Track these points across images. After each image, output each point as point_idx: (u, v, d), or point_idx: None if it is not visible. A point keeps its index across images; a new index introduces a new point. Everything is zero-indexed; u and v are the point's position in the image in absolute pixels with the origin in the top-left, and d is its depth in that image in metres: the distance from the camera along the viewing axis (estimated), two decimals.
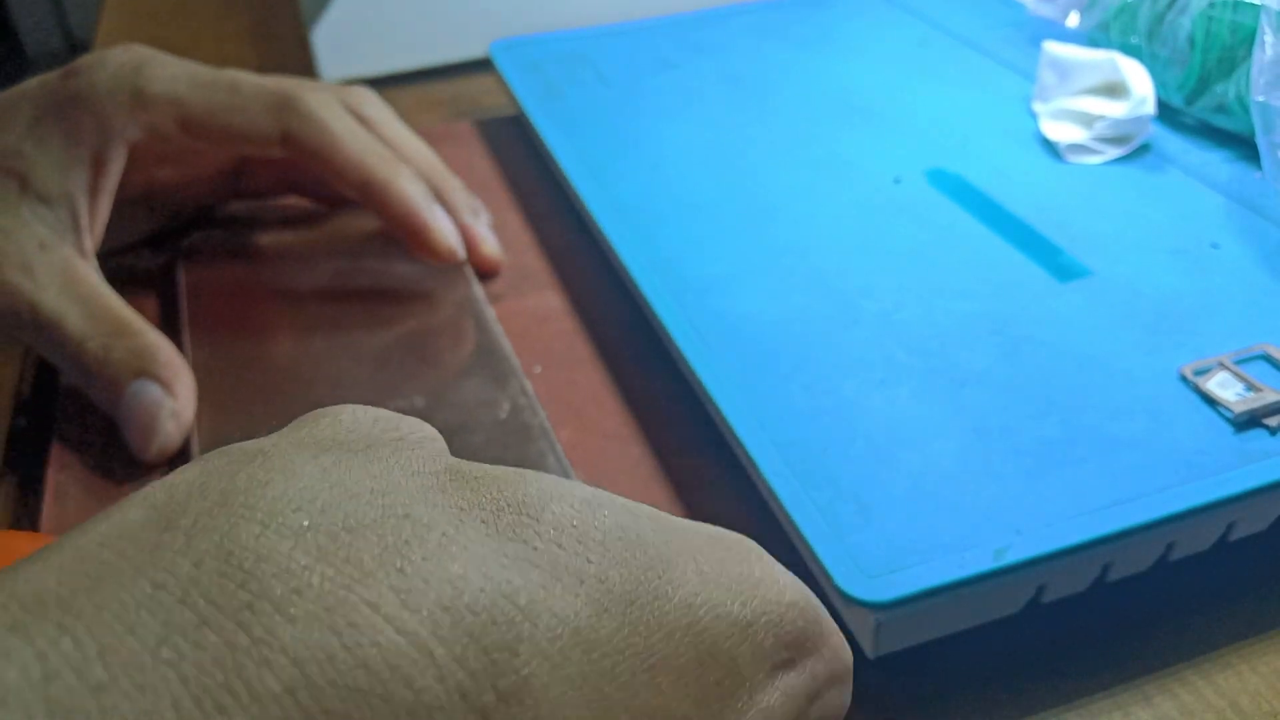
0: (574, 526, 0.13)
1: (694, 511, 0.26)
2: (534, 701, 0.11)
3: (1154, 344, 0.27)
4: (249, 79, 0.30)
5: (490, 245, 0.34)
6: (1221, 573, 0.25)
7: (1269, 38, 0.32)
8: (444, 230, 0.30)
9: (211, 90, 0.29)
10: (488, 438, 0.27)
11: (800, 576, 0.23)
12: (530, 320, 0.33)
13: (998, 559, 0.21)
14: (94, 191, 0.28)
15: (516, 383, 0.29)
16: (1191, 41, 0.37)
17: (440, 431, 0.15)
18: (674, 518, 0.15)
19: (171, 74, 0.29)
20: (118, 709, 0.09)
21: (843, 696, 0.16)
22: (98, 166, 0.28)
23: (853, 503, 0.23)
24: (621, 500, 0.14)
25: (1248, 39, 0.35)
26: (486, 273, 0.34)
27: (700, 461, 0.28)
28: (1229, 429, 0.24)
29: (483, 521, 0.12)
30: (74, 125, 0.28)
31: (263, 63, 0.55)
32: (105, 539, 0.11)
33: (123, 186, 0.30)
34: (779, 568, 0.15)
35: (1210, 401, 0.25)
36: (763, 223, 0.34)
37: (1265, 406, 0.25)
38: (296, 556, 0.11)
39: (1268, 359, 0.27)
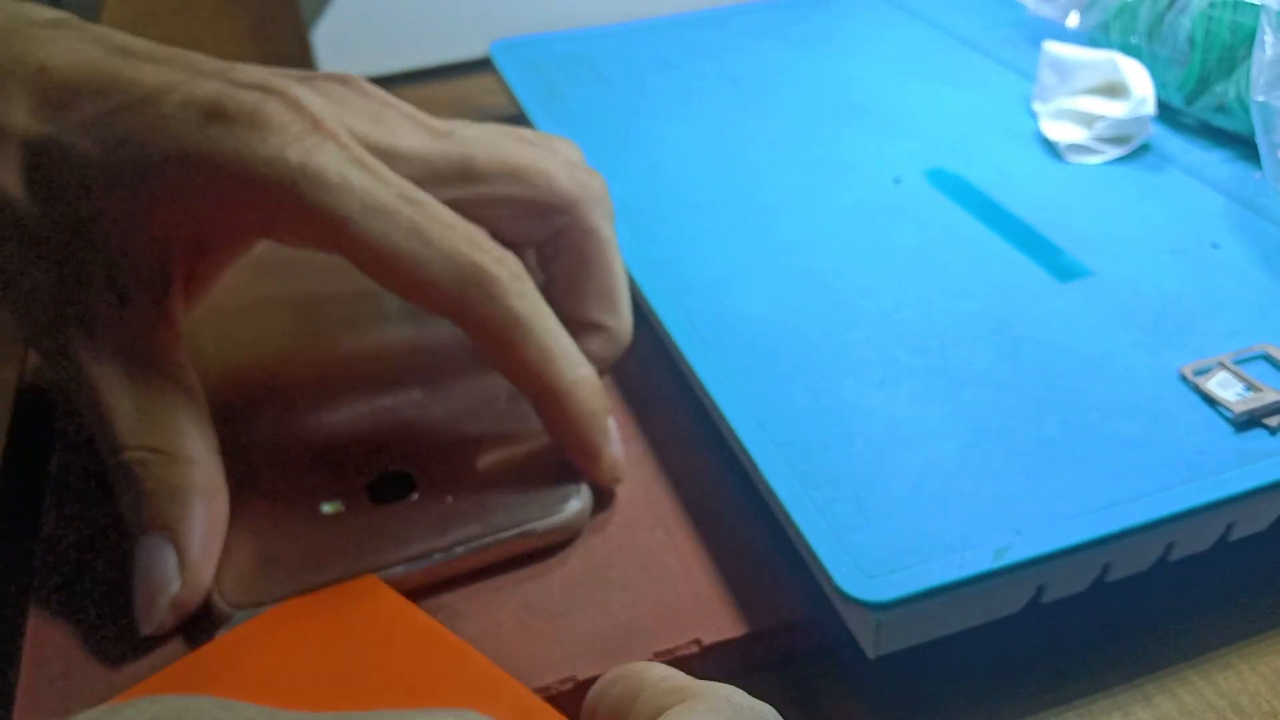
0: None
1: (694, 511, 0.26)
2: None
3: (1154, 344, 0.27)
4: (440, 216, 0.23)
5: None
6: (1221, 573, 0.25)
7: (1269, 37, 0.32)
8: (612, 458, 0.25)
9: (389, 223, 0.22)
10: (486, 428, 0.27)
11: (800, 576, 0.24)
12: None
13: (998, 559, 0.21)
14: (205, 264, 0.24)
15: None
16: (1191, 41, 0.37)
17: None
18: None
19: (346, 179, 0.22)
20: None
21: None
22: (223, 246, 0.24)
23: (852, 502, 0.23)
24: None
25: (1248, 39, 0.35)
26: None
27: (700, 461, 0.28)
28: (1229, 429, 0.24)
29: None
30: (210, 194, 0.22)
31: (263, 62, 0.54)
32: None
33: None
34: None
35: (1210, 401, 0.25)
36: (763, 222, 0.34)
37: (1265, 406, 0.25)
38: None
39: (1268, 359, 0.27)
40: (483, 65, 0.50)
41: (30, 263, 0.23)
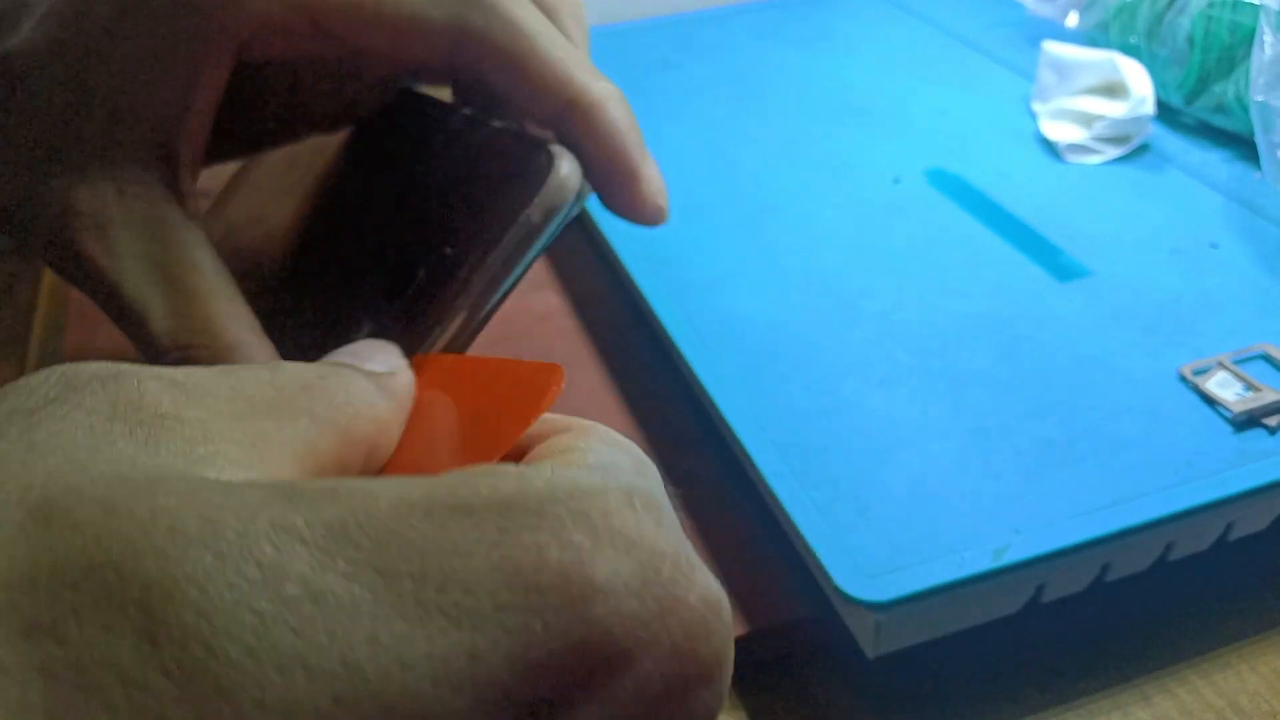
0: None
1: (694, 511, 0.26)
2: None
3: (1153, 344, 0.27)
4: None
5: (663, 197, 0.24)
6: (1220, 573, 0.25)
7: (1268, 37, 0.32)
8: (654, 180, 0.23)
9: None
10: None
11: (801, 576, 0.24)
12: (531, 320, 0.33)
13: (997, 559, 0.21)
14: (190, 110, 0.21)
15: None
16: (1191, 41, 0.37)
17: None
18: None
19: None
20: None
21: (710, 697, 0.11)
22: (195, 75, 0.21)
23: (852, 503, 0.23)
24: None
25: (1247, 39, 0.36)
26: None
27: (700, 461, 0.28)
28: (1228, 429, 0.24)
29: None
30: (165, 18, 0.20)
31: None
32: None
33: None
34: (605, 541, 0.10)
35: (1209, 401, 0.25)
36: (762, 223, 0.34)
37: (1264, 406, 0.25)
38: None
39: (1267, 359, 0.27)
40: None
41: (22, 175, 0.21)
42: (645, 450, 0.30)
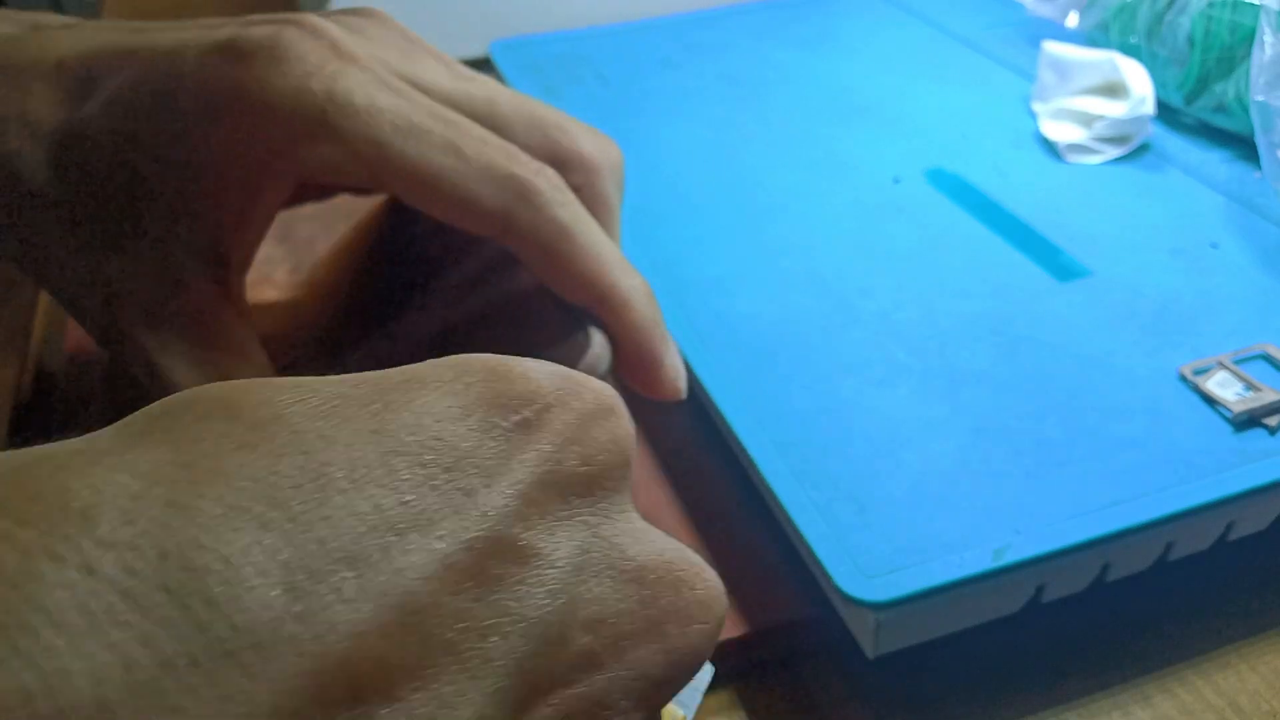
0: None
1: (694, 511, 0.26)
2: None
3: (1153, 344, 0.27)
4: (473, 132, 0.22)
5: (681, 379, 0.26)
6: (1221, 572, 0.25)
7: (1268, 37, 0.32)
8: (675, 368, 0.25)
9: (424, 143, 0.22)
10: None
11: (801, 576, 0.24)
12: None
13: (997, 559, 0.21)
14: (247, 221, 0.23)
15: None
16: (1191, 41, 0.37)
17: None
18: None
19: (374, 101, 0.21)
20: None
21: (618, 427, 0.15)
22: (257, 195, 0.22)
23: (852, 503, 0.23)
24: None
25: (1247, 38, 0.36)
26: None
27: (700, 461, 0.28)
28: (1228, 428, 0.24)
29: None
30: (238, 144, 0.22)
31: None
32: None
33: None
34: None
35: (1209, 401, 0.25)
36: (762, 223, 0.34)
37: (1264, 406, 0.25)
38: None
39: (1267, 359, 0.27)
40: (483, 65, 0.50)
41: (78, 254, 0.22)
42: (645, 449, 0.30)
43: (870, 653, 0.22)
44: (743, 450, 0.25)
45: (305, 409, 0.12)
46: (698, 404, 0.29)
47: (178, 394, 0.13)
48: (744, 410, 0.26)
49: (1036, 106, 0.39)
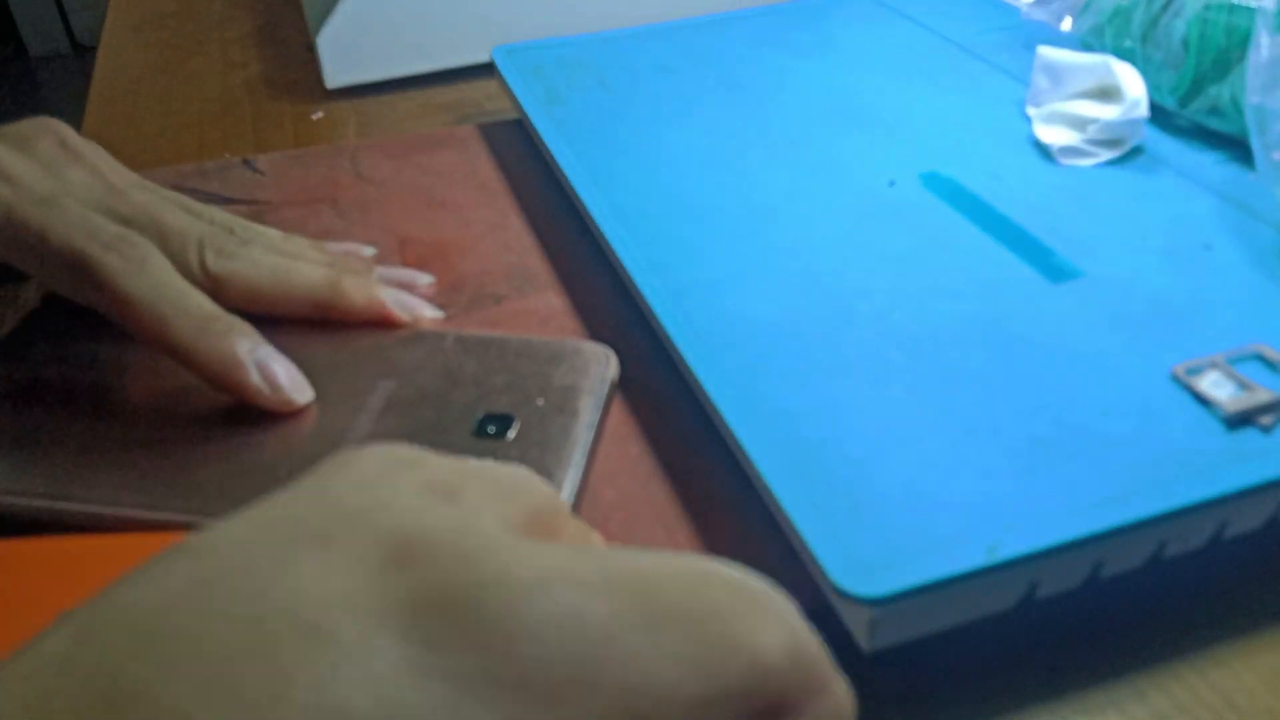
0: (507, 618, 0.12)
1: (692, 508, 0.26)
2: None
3: (1146, 344, 0.28)
4: (66, 212, 0.27)
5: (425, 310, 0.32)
6: (1217, 570, 0.25)
7: (1264, 39, 0.32)
8: (257, 385, 0.27)
9: (16, 227, 0.27)
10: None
11: (797, 572, 0.24)
12: (532, 321, 0.33)
13: (990, 555, 0.21)
14: None
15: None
16: (1186, 44, 0.37)
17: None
18: (658, 561, 0.13)
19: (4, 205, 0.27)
20: None
21: (829, 703, 0.14)
22: None
23: (848, 500, 0.23)
24: (597, 560, 0.13)
25: (1242, 41, 0.36)
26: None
27: (699, 460, 0.28)
28: (1221, 428, 0.25)
29: (399, 625, 0.12)
30: None
31: (267, 67, 0.55)
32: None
33: None
34: (773, 612, 0.14)
35: (1202, 401, 0.25)
36: (760, 225, 0.34)
37: (1258, 406, 0.25)
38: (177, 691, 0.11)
39: (1261, 359, 0.27)
40: (485, 70, 0.51)
41: None
42: (645, 449, 0.30)
43: (866, 647, 0.22)
44: (739, 448, 0.25)
45: None
46: (696, 403, 0.29)
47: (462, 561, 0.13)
48: (741, 409, 0.26)
49: (1031, 110, 0.40)
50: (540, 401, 0.27)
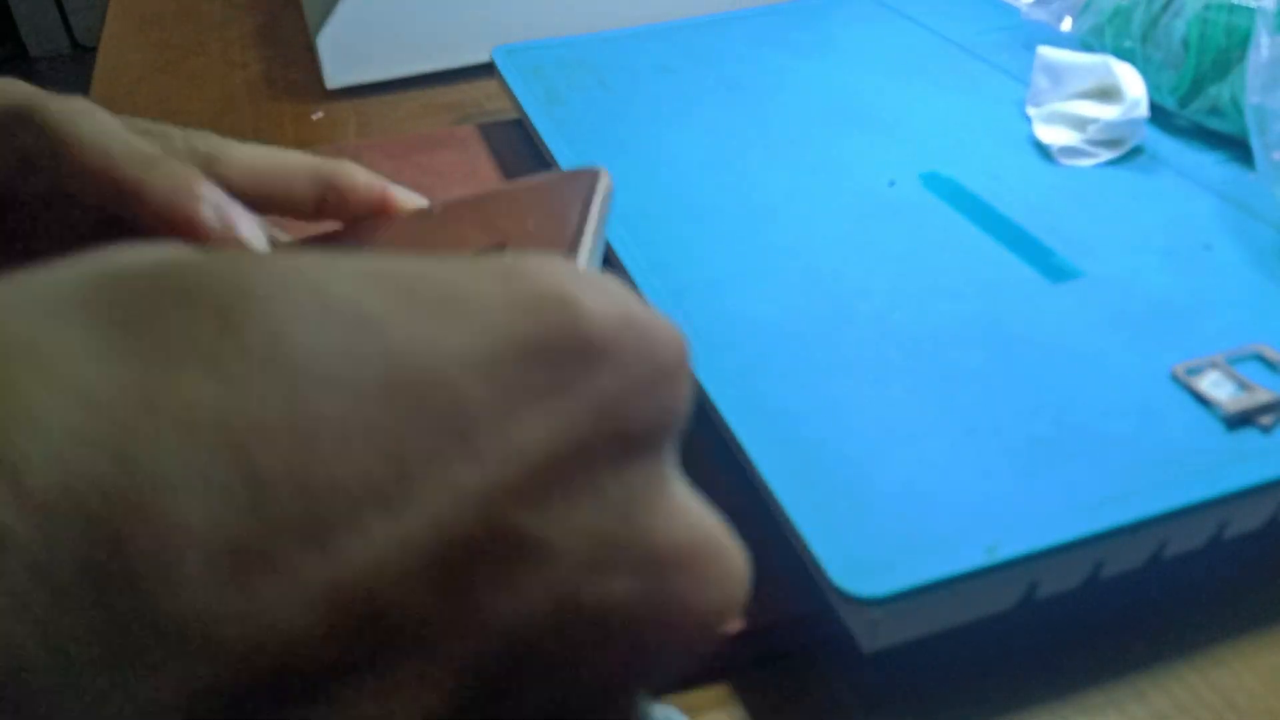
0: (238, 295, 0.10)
1: None
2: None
3: (1145, 344, 0.28)
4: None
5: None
6: (1217, 570, 0.25)
7: (1264, 39, 0.32)
8: (205, 213, 0.25)
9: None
10: None
11: (797, 573, 0.24)
12: None
13: (990, 555, 0.21)
14: None
15: None
16: (1186, 44, 0.37)
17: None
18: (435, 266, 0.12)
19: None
20: None
21: (677, 390, 0.13)
22: None
23: (848, 500, 0.23)
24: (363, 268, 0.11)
25: (1242, 41, 0.36)
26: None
27: (698, 460, 0.28)
28: (1220, 428, 0.25)
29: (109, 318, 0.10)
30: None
31: (267, 67, 0.55)
32: None
33: None
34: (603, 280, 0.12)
35: (1202, 401, 0.25)
36: (760, 225, 0.34)
37: (1258, 406, 0.25)
38: None
39: (1261, 359, 0.27)
40: (486, 70, 0.51)
41: None
42: None
43: (866, 648, 0.22)
44: (740, 448, 0.25)
45: (301, 314, 0.10)
46: (695, 402, 0.29)
47: (167, 259, 0.11)
48: (741, 409, 0.26)
49: (1031, 110, 0.40)
50: (530, 224, 0.26)
